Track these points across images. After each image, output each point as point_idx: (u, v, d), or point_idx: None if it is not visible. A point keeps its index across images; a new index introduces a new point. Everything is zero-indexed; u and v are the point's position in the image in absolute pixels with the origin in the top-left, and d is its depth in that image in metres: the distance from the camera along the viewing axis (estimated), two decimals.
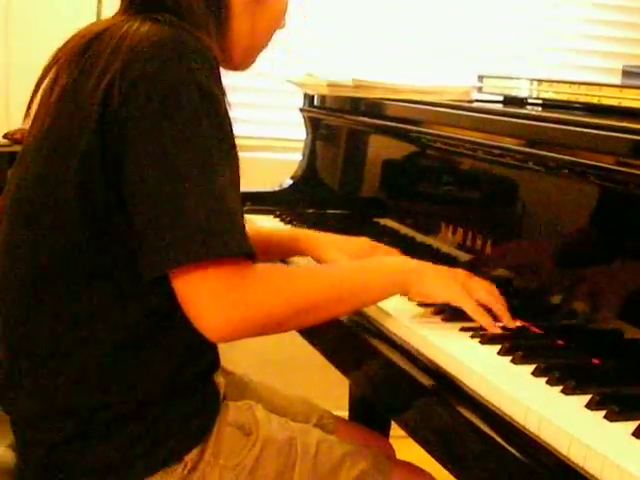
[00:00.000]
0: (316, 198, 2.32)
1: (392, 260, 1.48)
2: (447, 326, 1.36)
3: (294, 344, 1.70)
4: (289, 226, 2.08)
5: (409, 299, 1.42)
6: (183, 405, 1.32)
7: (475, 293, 1.37)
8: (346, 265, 1.44)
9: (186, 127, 1.16)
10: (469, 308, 1.35)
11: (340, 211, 2.25)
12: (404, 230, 1.91)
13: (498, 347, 1.26)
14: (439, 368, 1.25)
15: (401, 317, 1.39)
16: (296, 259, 1.74)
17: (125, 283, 1.25)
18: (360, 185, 2.22)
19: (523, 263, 1.50)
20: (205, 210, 1.14)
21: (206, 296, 1.16)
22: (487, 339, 1.30)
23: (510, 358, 1.23)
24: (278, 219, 2.16)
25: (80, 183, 1.21)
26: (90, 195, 1.21)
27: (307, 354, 1.76)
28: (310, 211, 2.18)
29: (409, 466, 1.57)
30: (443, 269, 1.41)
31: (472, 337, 1.32)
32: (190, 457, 1.31)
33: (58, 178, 1.23)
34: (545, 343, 1.34)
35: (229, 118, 1.23)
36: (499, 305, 1.37)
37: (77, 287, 1.26)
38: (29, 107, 1.33)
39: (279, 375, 2.20)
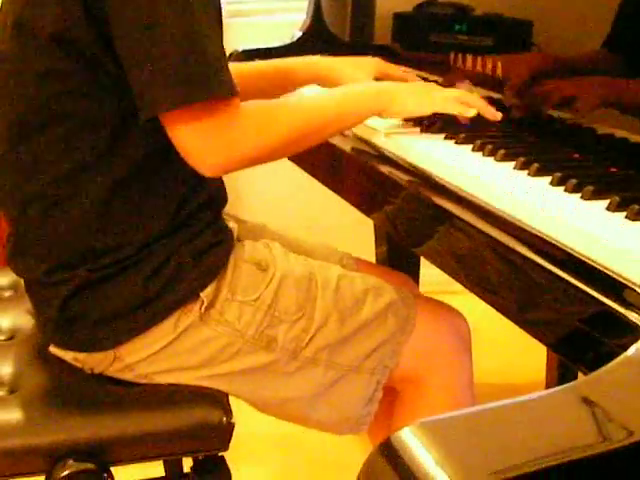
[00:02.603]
0: (327, 50, 2.26)
1: (366, 85, 1.51)
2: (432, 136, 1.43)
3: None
4: None
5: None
6: (193, 240, 1.30)
7: (450, 96, 1.44)
8: (323, 95, 1.47)
9: None
10: (455, 107, 1.42)
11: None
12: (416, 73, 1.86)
13: (513, 162, 1.25)
14: (456, 190, 1.24)
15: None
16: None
17: (119, 128, 1.24)
18: (371, 35, 2.16)
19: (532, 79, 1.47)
20: (189, 54, 1.16)
21: (195, 136, 1.21)
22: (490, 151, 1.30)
23: (527, 172, 1.21)
24: None
25: (61, 28, 1.19)
26: (73, 38, 1.20)
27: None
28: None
29: (433, 301, 1.55)
30: (417, 85, 1.51)
31: (475, 150, 1.33)
32: (206, 294, 1.30)
33: (37, 23, 1.21)
34: (561, 156, 1.31)
35: None
36: (480, 102, 1.43)
37: (71, 137, 1.24)
38: None
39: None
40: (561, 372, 2.04)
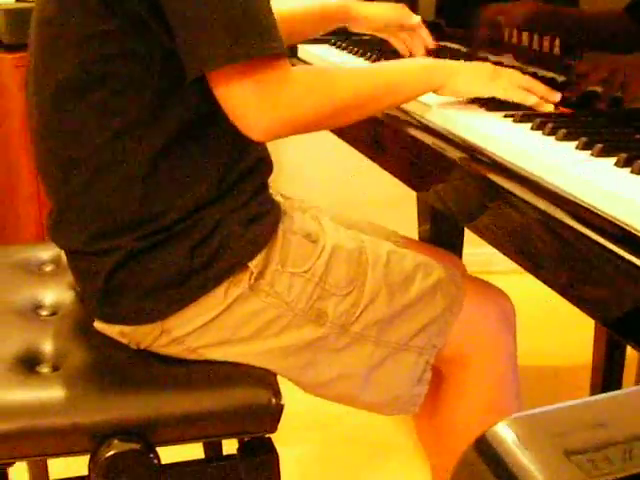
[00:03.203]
0: None
1: (425, 60, 1.46)
2: (490, 114, 1.37)
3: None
4: (344, 52, 1.99)
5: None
6: (240, 208, 1.27)
7: (513, 82, 1.38)
8: (380, 65, 1.43)
9: None
10: (517, 95, 1.37)
11: None
12: (465, 50, 1.81)
13: (575, 142, 1.19)
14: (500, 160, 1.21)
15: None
16: None
17: (165, 91, 1.21)
18: (416, 10, 2.11)
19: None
20: (237, 10, 1.14)
21: (244, 96, 1.18)
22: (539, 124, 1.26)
23: (589, 152, 1.16)
24: (334, 47, 2.06)
25: None
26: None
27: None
28: (366, 37, 2.08)
29: (480, 281, 1.51)
30: (480, 65, 1.44)
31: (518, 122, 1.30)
32: (255, 264, 1.26)
33: None
34: (623, 137, 1.26)
35: None
36: (540, 86, 1.38)
37: (117, 99, 1.21)
38: None
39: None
40: (609, 353, 2.00)
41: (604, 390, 1.93)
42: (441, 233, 2.24)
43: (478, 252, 2.33)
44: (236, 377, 1.26)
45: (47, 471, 1.57)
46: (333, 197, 2.76)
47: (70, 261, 1.34)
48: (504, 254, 1.22)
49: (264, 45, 1.16)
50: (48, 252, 1.65)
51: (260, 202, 1.30)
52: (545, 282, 1.11)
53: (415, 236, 2.24)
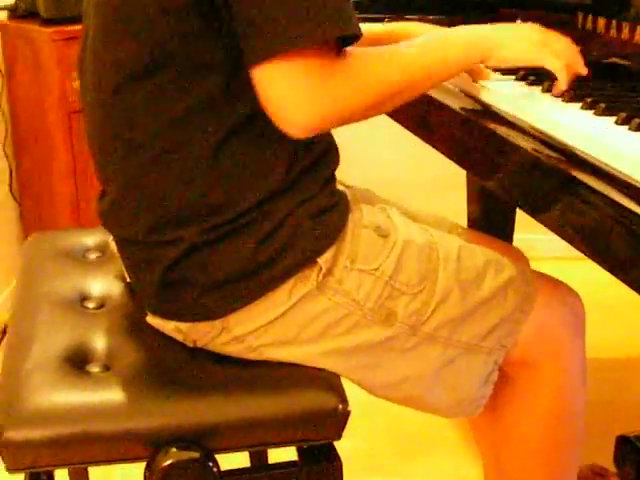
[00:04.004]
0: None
1: (465, 31, 1.33)
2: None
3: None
4: None
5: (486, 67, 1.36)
6: (309, 200, 1.19)
7: (556, 50, 1.30)
8: (421, 42, 1.29)
9: None
10: (556, 68, 1.29)
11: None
12: None
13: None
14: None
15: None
16: None
17: (231, 76, 1.14)
18: None
19: None
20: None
21: (285, 91, 1.10)
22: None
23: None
24: None
25: None
26: None
27: None
28: (414, 17, 1.98)
29: (549, 278, 1.43)
30: (519, 29, 1.34)
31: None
32: (324, 260, 1.18)
33: None
34: None
35: None
36: (579, 59, 1.31)
37: (182, 81, 1.14)
38: None
39: None
40: None
41: None
42: (491, 217, 2.16)
43: (529, 237, 2.26)
44: (300, 380, 1.19)
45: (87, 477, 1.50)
46: (377, 178, 2.68)
47: (123, 250, 1.26)
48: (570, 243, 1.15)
49: (312, 33, 1.07)
50: (93, 238, 1.58)
51: (329, 194, 1.22)
52: (612, 272, 1.06)
53: (463, 220, 2.17)
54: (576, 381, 1.39)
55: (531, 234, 2.15)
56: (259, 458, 1.63)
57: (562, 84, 1.28)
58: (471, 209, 2.21)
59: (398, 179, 2.87)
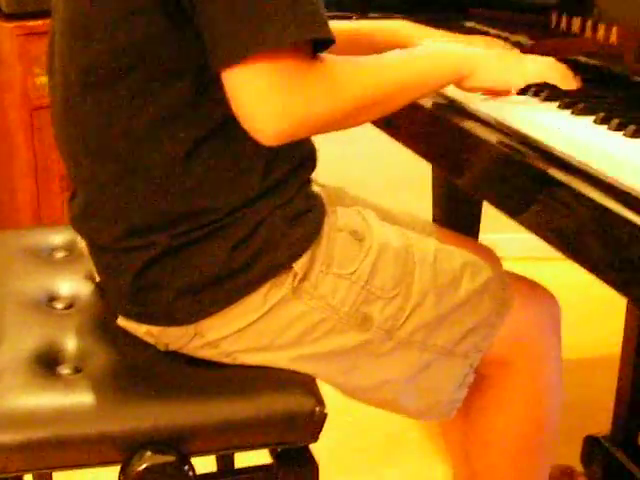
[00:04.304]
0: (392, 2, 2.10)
1: (451, 47, 1.31)
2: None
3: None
4: None
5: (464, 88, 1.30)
6: (285, 205, 1.17)
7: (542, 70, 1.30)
8: (402, 55, 1.25)
9: None
10: (553, 76, 1.29)
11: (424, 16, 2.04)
12: (493, 32, 1.71)
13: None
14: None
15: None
16: None
17: (202, 80, 1.11)
18: None
19: None
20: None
21: (256, 95, 1.05)
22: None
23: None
24: None
25: None
26: None
27: None
28: (377, 15, 1.97)
29: (525, 279, 1.42)
30: (504, 53, 1.34)
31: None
32: (299, 266, 1.17)
33: None
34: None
35: None
36: (568, 73, 1.31)
37: (150, 87, 1.11)
38: None
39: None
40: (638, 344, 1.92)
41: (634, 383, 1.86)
42: (457, 217, 2.16)
43: (494, 237, 2.26)
44: (277, 382, 1.17)
45: None
46: (344, 176, 2.67)
47: (94, 254, 1.24)
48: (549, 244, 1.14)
49: (287, 33, 1.03)
50: (58, 237, 1.55)
51: (305, 197, 1.21)
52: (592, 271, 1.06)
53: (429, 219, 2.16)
54: (552, 382, 1.39)
55: (495, 234, 2.16)
56: (226, 463, 1.62)
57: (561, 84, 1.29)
58: (436, 210, 2.20)
59: (365, 177, 2.87)
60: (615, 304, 2.02)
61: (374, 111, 1.19)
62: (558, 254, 1.12)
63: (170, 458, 1.08)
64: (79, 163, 1.20)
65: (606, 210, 1.00)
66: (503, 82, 1.27)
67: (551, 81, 1.29)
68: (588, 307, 2.53)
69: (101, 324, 1.28)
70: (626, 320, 1.93)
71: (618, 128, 1.11)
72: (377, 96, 1.16)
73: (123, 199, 1.15)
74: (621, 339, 1.88)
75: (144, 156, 1.13)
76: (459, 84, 1.27)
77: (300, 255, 1.17)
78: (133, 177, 1.14)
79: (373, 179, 2.88)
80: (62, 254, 1.50)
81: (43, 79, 2.44)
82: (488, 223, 2.12)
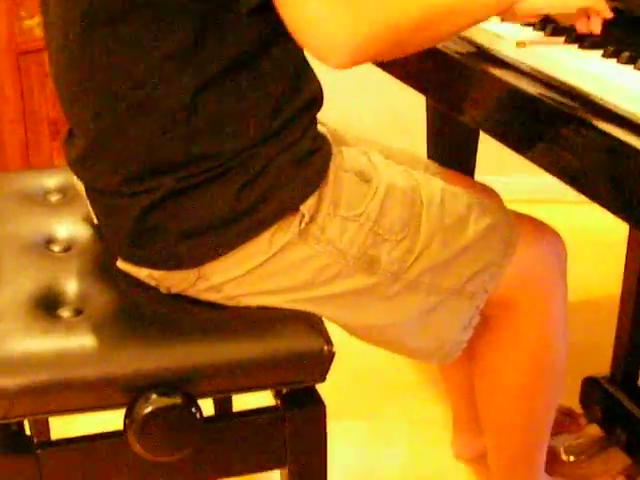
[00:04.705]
0: None
1: None
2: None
3: None
4: None
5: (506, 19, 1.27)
6: (292, 146, 1.14)
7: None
8: None
9: None
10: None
11: None
12: None
13: None
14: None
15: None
16: None
17: (208, 21, 1.07)
18: None
19: None
20: None
21: (325, 6, 1.03)
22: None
23: None
24: None
25: None
26: None
27: None
28: None
29: (532, 219, 1.40)
30: None
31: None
32: (306, 207, 1.14)
33: None
34: None
35: None
36: (604, 4, 1.22)
37: (155, 28, 1.07)
38: None
39: None
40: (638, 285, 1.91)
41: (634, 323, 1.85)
42: (451, 158, 2.13)
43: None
44: (284, 322, 1.15)
45: (48, 428, 1.45)
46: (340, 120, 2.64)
47: (93, 197, 1.20)
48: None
49: None
50: (53, 179, 1.51)
51: (311, 138, 1.17)
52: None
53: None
54: (558, 323, 1.38)
55: (490, 176, 2.13)
56: (224, 407, 1.60)
57: (596, 25, 1.22)
58: (430, 152, 2.17)
59: (362, 121, 2.84)
60: (614, 245, 2.02)
61: (417, 41, 1.15)
62: (554, 196, 1.11)
63: (176, 400, 1.06)
64: (79, 105, 1.16)
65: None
66: (560, 3, 1.23)
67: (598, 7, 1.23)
68: (586, 250, 2.51)
69: (101, 266, 1.25)
70: (626, 261, 1.91)
71: (628, 61, 1.09)
72: (423, 19, 1.12)
73: (126, 143, 1.12)
74: (621, 281, 1.87)
75: (147, 99, 1.09)
76: (510, 10, 1.21)
77: (307, 197, 1.14)
78: (136, 120, 1.10)
79: (370, 123, 2.85)
80: (57, 197, 1.47)
81: (29, 22, 2.39)
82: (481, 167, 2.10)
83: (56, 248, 1.31)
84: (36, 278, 1.21)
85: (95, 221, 1.27)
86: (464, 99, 1.37)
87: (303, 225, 1.14)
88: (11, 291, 1.18)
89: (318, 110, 1.21)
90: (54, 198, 1.46)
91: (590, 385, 1.86)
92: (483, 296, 1.28)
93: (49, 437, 1.40)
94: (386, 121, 2.89)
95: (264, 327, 1.14)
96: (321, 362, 1.12)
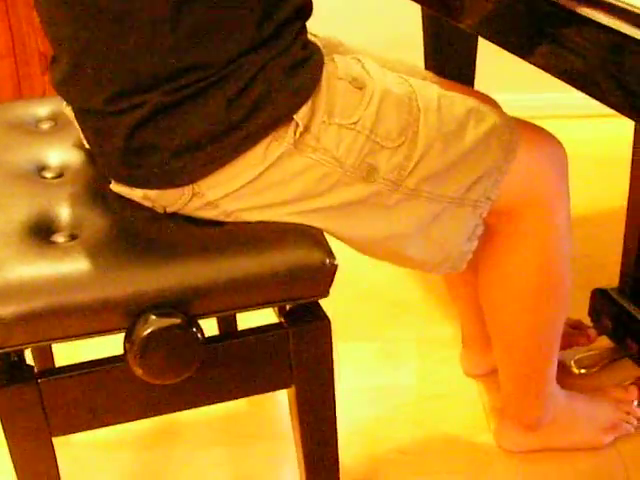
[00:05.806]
0: None
1: None
2: None
3: None
4: None
5: None
6: (282, 54, 1.10)
7: None
8: None
9: None
10: None
11: None
12: None
13: None
14: None
15: None
16: None
17: None
18: None
19: None
20: None
21: None
22: None
23: None
24: None
25: None
26: None
27: None
28: None
29: (532, 125, 1.36)
30: None
31: None
32: (300, 116, 1.10)
33: None
34: None
35: None
36: None
37: None
38: None
39: None
40: None
41: None
42: (450, 68, 2.09)
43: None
44: (284, 236, 1.12)
45: (53, 360, 1.43)
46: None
47: (82, 119, 1.17)
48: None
49: None
50: (42, 108, 1.48)
51: (302, 45, 1.13)
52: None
53: None
54: (561, 229, 1.36)
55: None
56: (227, 327, 1.58)
57: None
58: (428, 64, 2.13)
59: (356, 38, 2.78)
60: (618, 161, 1.98)
61: None
62: (556, 112, 1.07)
63: (176, 320, 1.04)
64: (60, 22, 1.11)
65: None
66: None
67: None
68: (590, 164, 2.48)
69: (94, 190, 1.22)
70: (632, 171, 1.88)
71: None
72: None
73: (110, 58, 1.08)
74: (627, 195, 1.84)
75: (129, 10, 1.05)
76: None
77: (300, 105, 1.10)
78: (119, 34, 1.06)
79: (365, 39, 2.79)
80: (47, 125, 1.43)
81: None
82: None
83: (49, 175, 1.28)
84: (29, 205, 1.19)
85: (87, 146, 1.23)
86: (461, 4, 1.32)
87: (298, 135, 1.11)
88: (4, 219, 1.15)
89: (307, 18, 1.17)
90: (45, 126, 1.43)
91: (599, 297, 1.84)
92: (486, 204, 1.25)
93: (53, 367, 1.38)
94: (380, 38, 2.84)
95: (264, 242, 1.11)
96: (324, 275, 1.10)
